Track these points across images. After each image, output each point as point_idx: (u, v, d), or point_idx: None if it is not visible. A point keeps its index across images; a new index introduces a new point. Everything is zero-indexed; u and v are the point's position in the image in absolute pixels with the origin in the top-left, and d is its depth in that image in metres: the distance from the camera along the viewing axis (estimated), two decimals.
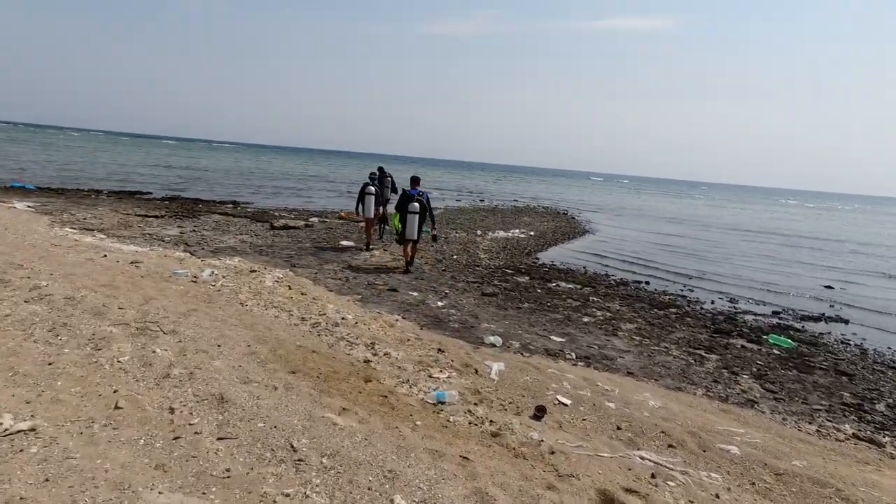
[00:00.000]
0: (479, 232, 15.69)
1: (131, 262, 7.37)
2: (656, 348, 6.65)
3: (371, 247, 11.30)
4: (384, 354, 4.94)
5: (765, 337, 7.71)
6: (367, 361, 4.71)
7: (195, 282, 6.80)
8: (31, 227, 9.60)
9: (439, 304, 7.51)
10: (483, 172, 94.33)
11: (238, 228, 12.58)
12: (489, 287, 8.91)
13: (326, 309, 6.30)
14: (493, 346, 5.90)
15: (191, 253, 9.12)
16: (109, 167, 30.95)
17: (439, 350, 5.31)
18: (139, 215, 13.02)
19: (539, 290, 9.16)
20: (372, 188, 11.09)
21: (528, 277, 10.24)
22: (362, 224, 14.98)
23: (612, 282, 10.84)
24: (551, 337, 6.54)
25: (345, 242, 11.70)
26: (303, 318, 5.75)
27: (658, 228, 22.84)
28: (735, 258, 15.93)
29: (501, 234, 15.93)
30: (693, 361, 6.29)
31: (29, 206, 12.54)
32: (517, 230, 17.02)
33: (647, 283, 11.15)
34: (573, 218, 24.05)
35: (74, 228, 10.33)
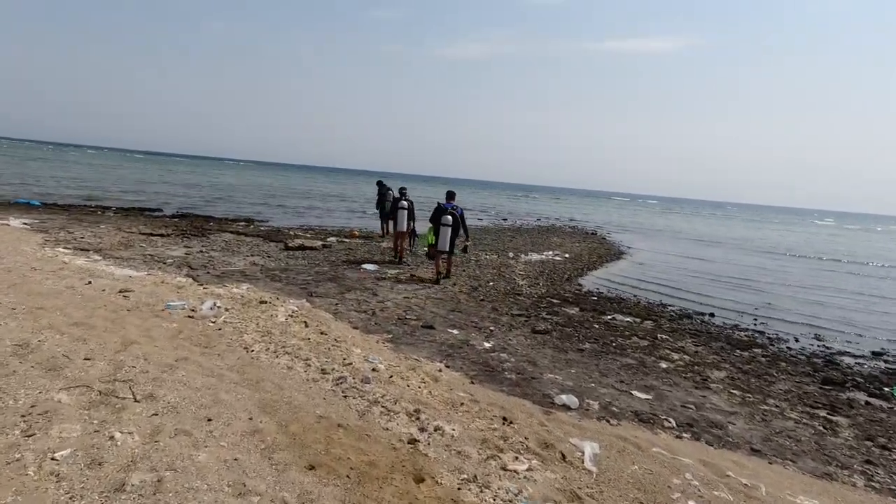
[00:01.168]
0: (510, 254, 14.37)
1: (119, 291, 6.18)
2: (765, 407, 5.24)
3: (403, 260, 11.44)
4: (435, 429, 3.62)
5: (886, 389, 6.25)
6: (413, 442, 3.40)
7: (192, 317, 5.57)
8: (17, 247, 8.52)
9: (486, 345, 6.18)
10: (502, 191, 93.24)
11: (249, 249, 11.42)
12: (539, 322, 7.57)
13: (352, 355, 5.01)
14: (568, 408, 4.55)
15: (193, 278, 7.93)
16: (123, 184, 30.31)
17: (504, 420, 3.98)
18: (143, 234, 11.95)
19: (596, 326, 7.79)
20: (404, 202, 11.52)
21: (577, 308, 8.88)
22: (385, 244, 13.87)
23: (672, 314, 9.43)
24: (634, 393, 5.17)
25: (367, 266, 10.46)
26: (323, 371, 4.46)
27: (698, 252, 21.28)
28: (793, 286, 14.39)
29: (535, 256, 14.61)
30: (822, 429, 4.87)
31: (25, 224, 11.53)
32: (550, 252, 15.68)
33: (712, 315, 9.72)
34: (604, 239, 22.64)
35: (68, 248, 9.24)
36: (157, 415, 3.17)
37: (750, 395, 5.51)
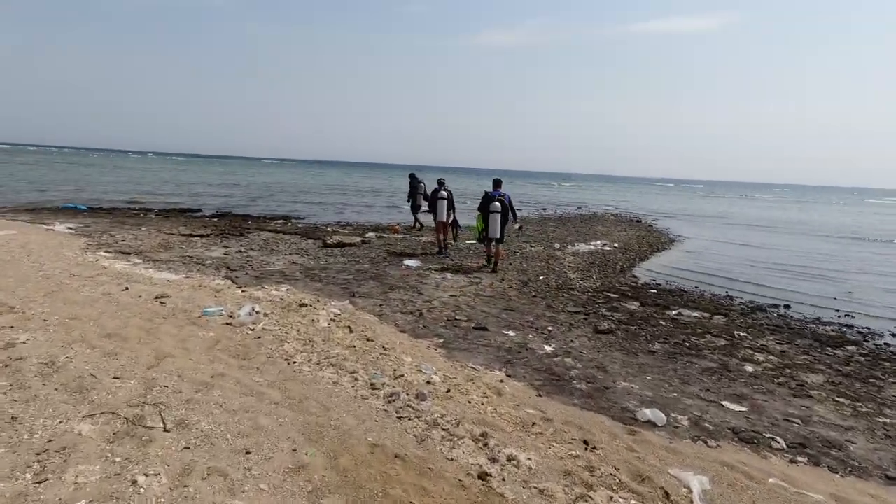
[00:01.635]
0: (556, 245, 13.65)
1: (156, 297, 5.87)
2: (885, 420, 4.47)
3: (445, 252, 11.36)
4: (508, 459, 3.07)
5: None
6: (484, 477, 2.86)
7: (230, 324, 5.19)
8: (59, 252, 8.41)
9: (547, 348, 5.59)
10: (537, 180, 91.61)
11: (288, 247, 11.13)
12: (600, 320, 6.92)
13: (403, 365, 4.52)
14: (654, 425, 3.93)
15: (232, 280, 7.63)
16: (165, 186, 30.92)
17: (586, 444, 3.40)
18: (183, 235, 11.82)
19: (663, 323, 7.08)
20: (444, 192, 11.33)
21: (638, 303, 8.16)
22: (425, 238, 13.39)
23: (743, 307, 8.58)
24: (724, 404, 4.49)
25: (409, 262, 9.98)
26: (372, 385, 3.97)
27: (753, 238, 19.91)
28: (869, 273, 13.14)
29: (582, 246, 13.84)
30: None
31: (69, 228, 11.57)
32: (598, 242, 14.86)
33: (788, 307, 8.82)
34: (651, 226, 21.54)
35: (109, 252, 9.12)
36: (188, 448, 2.74)
37: (861, 405, 4.74)
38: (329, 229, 14.55)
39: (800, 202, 61.13)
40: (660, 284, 10.05)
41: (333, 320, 5.73)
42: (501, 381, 4.49)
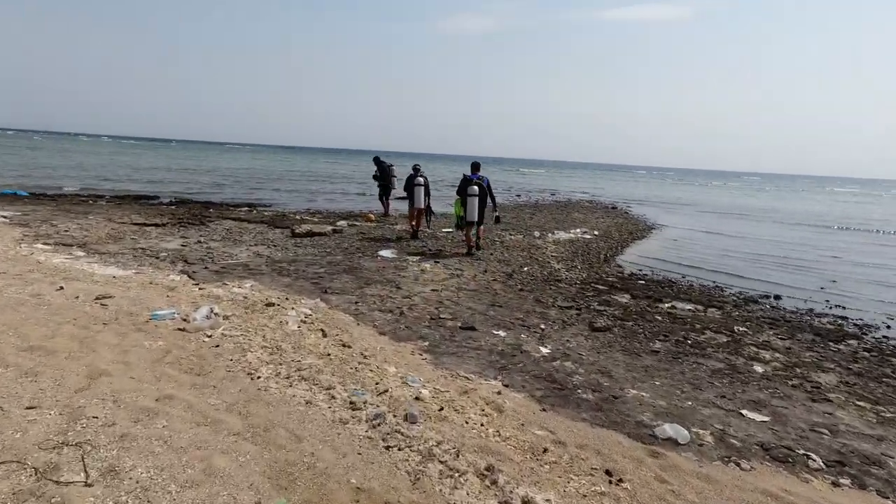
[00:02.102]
0: (536, 234, 13.19)
1: (96, 298, 5.09)
2: None
3: (418, 238, 11.31)
4: (523, 502, 2.52)
5: None
6: None
7: (184, 329, 4.48)
8: None
9: (543, 350, 5.08)
10: (508, 167, 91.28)
11: (253, 237, 10.31)
12: (594, 316, 6.45)
13: (386, 376, 3.92)
14: (676, 443, 3.45)
15: (189, 275, 6.85)
16: (119, 171, 29.17)
17: (609, 475, 2.89)
18: (136, 224, 10.84)
19: (659, 318, 6.66)
20: (420, 179, 11.30)
21: (629, 295, 7.75)
22: (399, 227, 12.74)
23: (735, 299, 8.27)
24: (745, 413, 4.06)
25: (385, 253, 9.33)
26: (352, 405, 3.37)
27: (730, 226, 19.88)
28: (848, 262, 13.14)
29: (563, 234, 13.43)
30: None
31: (3, 217, 10.45)
32: (577, 230, 14.48)
33: (778, 297, 8.57)
34: (627, 214, 21.36)
35: (48, 244, 8.17)
36: None
37: (883, 409, 4.39)
38: (298, 217, 13.72)
39: (767, 190, 62.66)
40: (647, 275, 9.68)
41: (304, 322, 5.08)
42: (499, 393, 3.94)
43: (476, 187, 9.38)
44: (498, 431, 3.25)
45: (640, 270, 10.11)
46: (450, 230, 12.61)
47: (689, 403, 4.15)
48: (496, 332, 5.50)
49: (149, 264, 7.41)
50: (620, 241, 13.63)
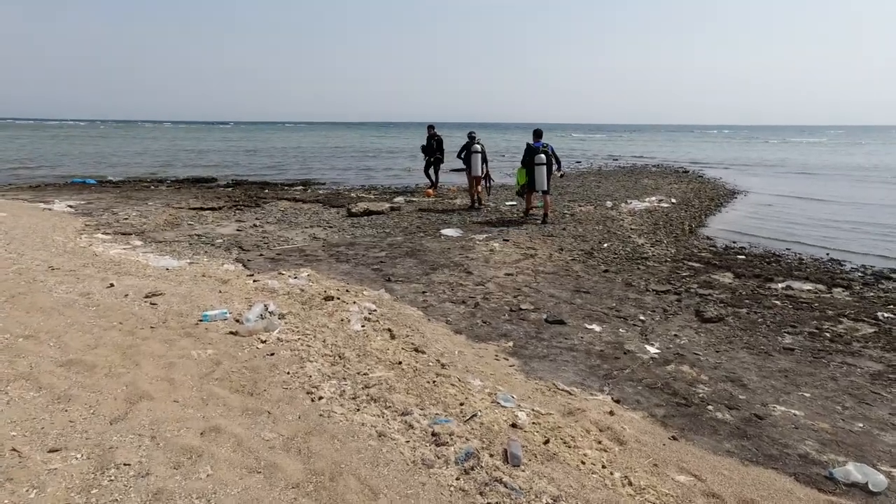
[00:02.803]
0: (608, 204, 12.07)
1: (146, 296, 4.66)
2: None
3: (479, 206, 11.12)
4: None
5: None
6: None
7: (235, 333, 3.95)
8: (48, 236, 7.30)
9: (650, 349, 4.23)
10: (554, 133, 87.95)
11: (308, 218, 9.86)
12: (700, 303, 5.49)
13: (471, 393, 3.23)
14: (867, 490, 2.57)
15: (243, 264, 6.42)
16: (179, 155, 29.88)
17: None
18: (193, 209, 10.65)
19: (777, 303, 5.61)
20: (477, 146, 10.93)
21: (731, 274, 6.70)
22: (458, 201, 11.97)
23: (861, 275, 7.01)
24: None
25: (448, 231, 8.61)
26: (435, 437, 2.69)
27: (819, 187, 17.75)
28: None
29: (637, 204, 12.24)
30: None
31: (69, 207, 10.49)
32: (652, 198, 13.20)
33: None
34: (701, 178, 19.59)
35: (108, 233, 8.01)
36: None
37: None
38: (353, 195, 13.22)
39: (862, 143, 56.76)
40: (744, 248, 8.50)
41: (369, 319, 4.46)
42: (612, 413, 3.16)
43: (543, 156, 9.45)
44: (627, 478, 2.49)
45: (735, 243, 8.91)
46: (513, 203, 11.76)
47: (861, 426, 3.22)
48: (589, 327, 4.69)
49: (203, 252, 7.05)
50: (702, 209, 12.28)
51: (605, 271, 6.60)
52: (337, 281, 5.76)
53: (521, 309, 5.08)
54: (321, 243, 7.76)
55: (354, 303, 4.88)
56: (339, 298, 4.96)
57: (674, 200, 13.02)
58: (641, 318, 4.97)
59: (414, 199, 12.54)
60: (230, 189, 14.50)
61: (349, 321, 4.39)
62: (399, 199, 12.15)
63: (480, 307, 5.09)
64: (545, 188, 9.53)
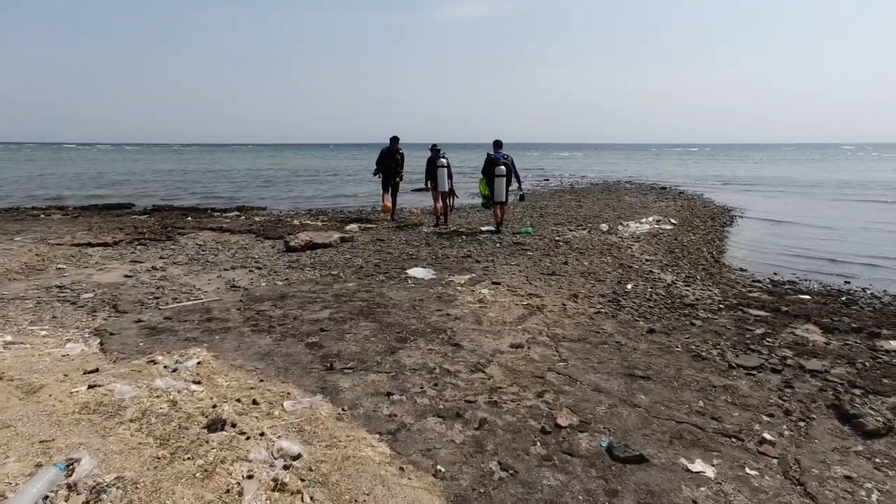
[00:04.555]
0: (603, 227, 10.20)
1: None
2: None
3: (444, 223, 10.30)
4: None
5: None
6: None
7: None
8: None
9: None
10: (512, 152, 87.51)
11: (232, 256, 7.50)
12: (825, 389, 3.51)
13: None
14: None
15: (101, 340, 4.04)
16: (105, 177, 26.62)
17: None
18: (77, 245, 8.07)
19: None
20: (443, 160, 10.07)
21: (817, 328, 4.83)
22: (426, 229, 9.82)
23: None
24: None
25: (417, 272, 6.42)
26: None
27: (815, 205, 16.64)
28: None
29: (635, 226, 10.45)
30: None
31: None
32: (648, 219, 11.46)
33: None
34: (685, 195, 18.23)
35: None
36: None
37: None
38: (296, 222, 10.85)
39: (801, 160, 58.23)
40: (796, 283, 6.74)
41: (280, 489, 2.20)
42: None
43: (503, 167, 9.13)
44: None
45: (778, 276, 7.16)
46: (490, 228, 9.74)
47: None
48: (691, 466, 2.60)
49: (51, 318, 4.63)
50: (710, 231, 10.63)
51: (651, 331, 4.56)
52: (245, 372, 3.48)
53: (557, 426, 2.94)
54: (238, 296, 5.43)
55: (262, 435, 2.62)
56: (233, 426, 2.69)
57: (674, 221, 11.33)
58: (766, 435, 2.91)
59: (371, 225, 10.30)
60: (145, 217, 11.87)
61: (241, 496, 2.13)
62: (352, 226, 9.90)
63: (489, 427, 2.91)
64: (503, 199, 9.28)
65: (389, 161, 10.57)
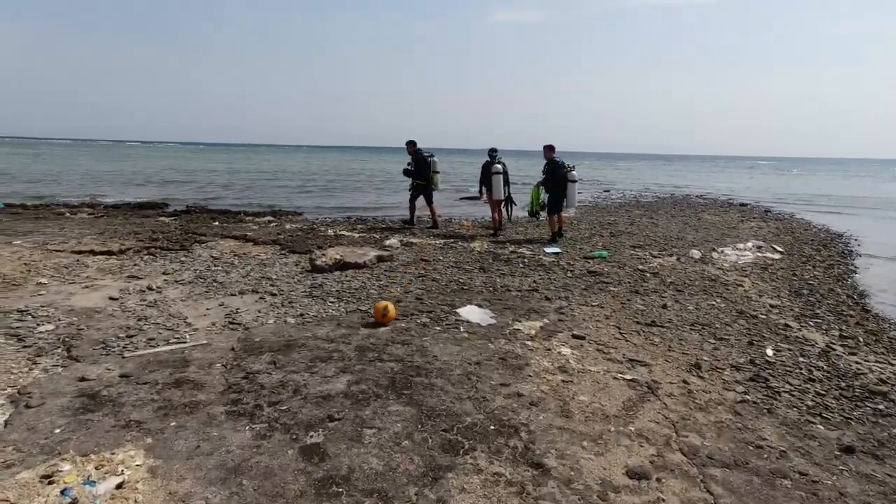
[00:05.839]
0: (695, 253, 8.36)
1: None
2: None
3: (500, 233, 9.62)
4: None
5: None
6: None
7: None
8: None
9: None
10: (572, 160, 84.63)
11: (246, 274, 6.20)
12: None
13: None
14: None
15: (4, 425, 2.70)
16: (158, 175, 26.58)
17: None
18: (76, 252, 7.01)
19: None
20: (499, 165, 9.31)
21: None
22: (476, 245, 8.30)
23: None
24: None
25: (470, 312, 4.87)
26: None
27: None
28: None
29: (731, 253, 8.58)
30: None
31: None
32: (747, 244, 9.51)
33: None
34: (770, 213, 15.95)
35: None
36: None
37: None
38: (330, 232, 9.53)
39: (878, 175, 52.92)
40: None
41: None
42: None
43: (575, 173, 8.99)
44: None
45: None
46: (557, 250, 8.13)
47: None
48: None
49: None
50: (832, 264, 8.60)
51: (848, 450, 2.85)
52: None
53: None
54: (234, 339, 4.06)
55: None
56: None
57: (779, 248, 9.33)
58: None
59: (414, 239, 8.86)
60: (171, 219, 10.88)
61: None
62: (393, 241, 8.47)
63: None
64: (576, 205, 9.40)
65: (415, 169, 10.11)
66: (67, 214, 11.00)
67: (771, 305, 5.72)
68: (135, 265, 6.52)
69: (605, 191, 23.16)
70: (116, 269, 6.27)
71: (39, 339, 3.97)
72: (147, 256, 7.04)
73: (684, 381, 3.60)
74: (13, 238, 7.73)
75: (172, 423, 2.75)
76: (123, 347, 3.83)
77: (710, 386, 3.57)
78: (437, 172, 10.24)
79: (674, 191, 24.93)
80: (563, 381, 3.49)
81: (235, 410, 2.91)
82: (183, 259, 6.95)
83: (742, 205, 18.15)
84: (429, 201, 10.30)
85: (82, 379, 3.27)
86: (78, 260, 6.61)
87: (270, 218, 11.66)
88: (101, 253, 7.04)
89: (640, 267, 7.23)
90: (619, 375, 3.63)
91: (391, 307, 4.53)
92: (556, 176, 8.86)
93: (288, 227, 10.14)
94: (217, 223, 10.35)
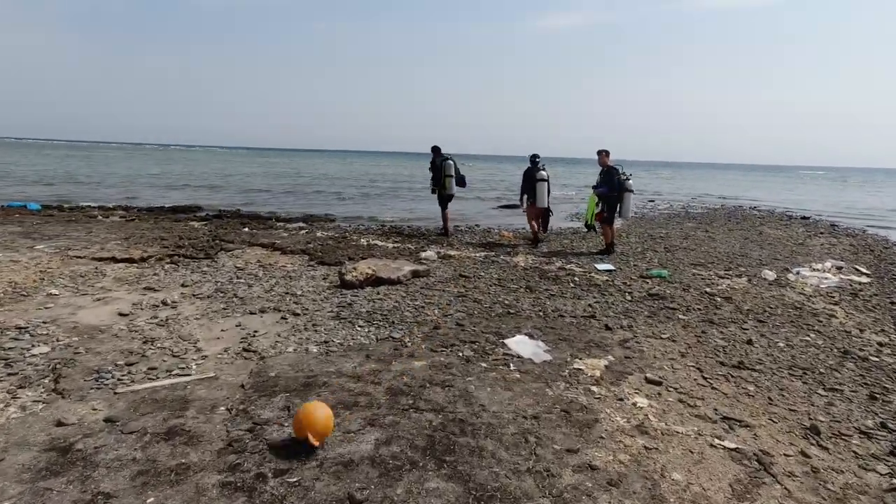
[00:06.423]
0: (768, 274, 7.40)
1: None
2: None
3: (540, 244, 9.10)
4: None
5: None
6: None
7: None
8: None
9: None
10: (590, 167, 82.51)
11: (270, 288, 5.66)
12: None
13: None
14: None
15: None
16: (202, 178, 26.86)
17: None
18: (96, 259, 6.64)
19: None
20: (544, 172, 8.79)
21: None
22: (519, 261, 7.57)
23: None
24: None
25: (520, 344, 4.16)
26: None
27: None
28: None
29: (813, 276, 7.56)
30: None
31: None
32: (826, 264, 8.46)
33: None
34: (838, 228, 14.62)
35: None
36: None
37: None
38: (363, 241, 8.97)
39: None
40: None
41: None
42: None
43: (632, 182, 8.34)
44: None
45: None
46: (609, 268, 7.33)
47: None
48: None
49: None
50: None
51: None
52: None
53: None
54: (246, 372, 3.47)
55: None
56: None
57: (864, 270, 8.25)
58: None
59: (452, 251, 8.19)
60: (201, 224, 10.55)
61: None
62: (429, 252, 7.82)
63: None
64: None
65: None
66: (100, 217, 10.83)
67: (879, 344, 4.79)
68: (154, 275, 6.08)
69: (649, 201, 22.02)
70: (134, 279, 5.83)
71: (29, 364, 3.49)
72: (168, 265, 6.61)
73: (803, 454, 2.80)
74: (38, 242, 7.45)
75: (150, 501, 2.14)
76: (118, 380, 3.29)
77: (840, 462, 2.76)
78: (450, 176, 9.52)
79: (722, 201, 23.51)
80: (645, 447, 2.75)
81: (231, 482, 2.28)
82: (205, 269, 6.49)
83: (803, 217, 16.80)
84: (443, 206, 9.74)
85: (59, 423, 2.73)
86: (96, 268, 6.22)
87: (302, 224, 11.22)
88: (122, 260, 6.65)
89: (708, 290, 6.37)
90: (717, 441, 2.86)
91: (320, 418, 2.53)
92: (614, 184, 8.14)
93: (319, 234, 9.63)
94: (247, 229, 9.93)
